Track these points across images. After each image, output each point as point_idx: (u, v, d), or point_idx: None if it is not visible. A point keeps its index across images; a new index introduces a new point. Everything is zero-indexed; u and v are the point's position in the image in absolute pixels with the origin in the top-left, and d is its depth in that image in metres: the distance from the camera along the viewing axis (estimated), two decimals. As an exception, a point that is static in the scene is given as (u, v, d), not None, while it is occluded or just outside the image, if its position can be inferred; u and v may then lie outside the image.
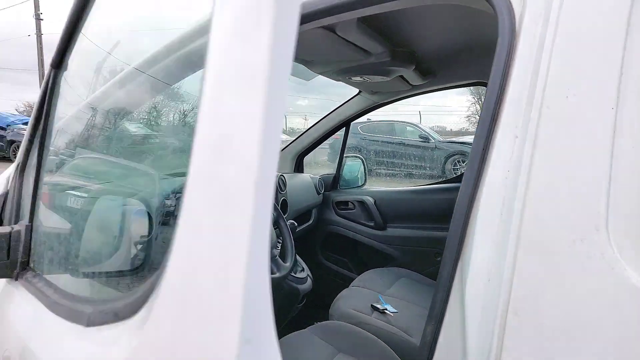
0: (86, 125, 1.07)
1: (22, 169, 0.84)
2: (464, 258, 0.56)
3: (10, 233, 0.71)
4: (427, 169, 8.19)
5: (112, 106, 1.15)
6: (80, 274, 0.78)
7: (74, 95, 0.99)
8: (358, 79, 1.57)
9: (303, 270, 1.64)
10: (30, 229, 0.72)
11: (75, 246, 0.83)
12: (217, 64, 0.29)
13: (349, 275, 2.09)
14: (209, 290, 0.29)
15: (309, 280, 1.59)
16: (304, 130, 2.24)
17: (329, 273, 2.18)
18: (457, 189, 0.58)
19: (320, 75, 1.55)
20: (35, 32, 16.36)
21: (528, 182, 0.50)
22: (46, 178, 0.80)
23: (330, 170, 2.38)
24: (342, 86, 1.78)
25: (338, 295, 1.51)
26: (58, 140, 0.87)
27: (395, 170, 7.86)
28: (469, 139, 8.00)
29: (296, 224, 1.53)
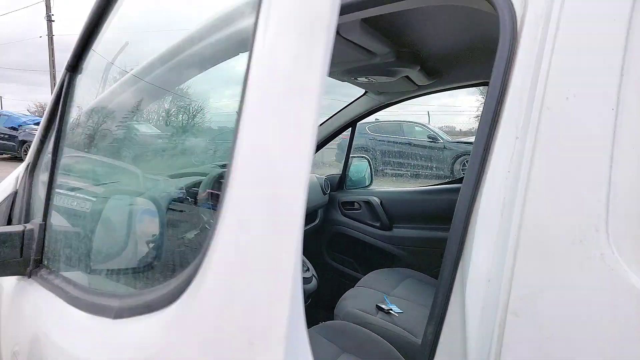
0: (100, 127, 1.09)
1: (32, 169, 0.86)
2: (465, 258, 0.56)
3: (23, 231, 0.73)
4: (436, 169, 8.16)
5: (125, 107, 1.18)
6: (100, 271, 0.81)
7: (88, 97, 1.01)
8: (363, 79, 1.57)
9: (308, 270, 1.64)
10: (43, 227, 0.74)
11: (92, 244, 0.86)
12: (262, 77, 0.32)
13: (355, 275, 2.09)
14: (258, 280, 0.30)
15: (314, 280, 1.60)
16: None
17: (334, 273, 2.19)
18: None
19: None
20: (46, 33, 16.61)
21: (528, 182, 0.50)
22: (60, 178, 0.82)
23: (338, 170, 2.39)
24: (348, 86, 1.78)
25: (343, 295, 1.52)
26: (72, 141, 0.88)
27: (404, 171, 7.84)
28: (478, 139, 7.91)
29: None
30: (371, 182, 2.42)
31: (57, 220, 0.80)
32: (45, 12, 16.57)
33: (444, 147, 8.37)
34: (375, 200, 2.12)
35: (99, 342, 0.50)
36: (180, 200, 1.18)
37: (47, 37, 16.61)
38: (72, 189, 1.04)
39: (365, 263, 2.15)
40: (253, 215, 0.31)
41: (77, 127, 0.94)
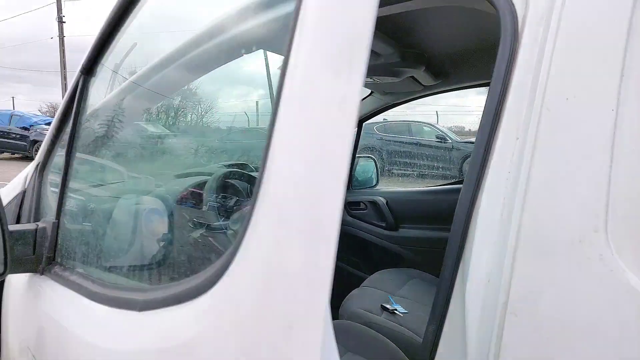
0: (113, 128, 1.12)
1: (41, 169, 0.88)
2: (465, 259, 0.57)
3: (36, 229, 0.75)
4: (444, 169, 8.10)
5: (138, 109, 1.21)
6: (120, 267, 0.83)
7: (101, 100, 1.03)
8: (369, 80, 1.57)
9: None
10: (56, 225, 0.76)
11: (112, 242, 0.88)
12: (299, 86, 0.34)
13: (360, 275, 2.10)
14: (298, 270, 0.32)
15: None
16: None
17: (340, 273, 2.19)
18: None
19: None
20: (57, 34, 16.85)
21: (528, 183, 0.50)
22: (74, 178, 0.84)
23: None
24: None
25: (348, 295, 1.52)
26: (86, 142, 0.91)
27: (412, 171, 7.81)
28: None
29: None
30: (377, 182, 2.42)
31: (71, 219, 0.83)
32: (56, 14, 16.81)
33: (453, 147, 8.32)
34: (381, 200, 2.12)
35: (124, 333, 0.52)
36: (199, 197, 1.21)
37: (58, 38, 16.86)
38: (87, 189, 1.07)
39: (371, 263, 2.15)
40: (292, 211, 0.33)
41: (90, 128, 0.96)
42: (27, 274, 0.78)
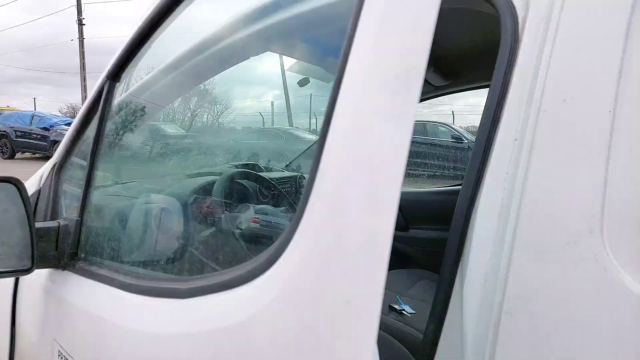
0: (137, 130, 1.16)
1: (58, 169, 0.92)
2: (464, 259, 0.57)
3: (58, 227, 0.79)
4: (460, 170, 8.00)
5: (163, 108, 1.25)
6: (156, 261, 0.89)
7: (124, 105, 1.06)
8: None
9: None
10: (79, 223, 0.80)
11: (144, 237, 0.94)
12: (355, 103, 0.37)
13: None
14: (357, 253, 0.34)
15: None
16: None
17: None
18: None
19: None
20: (77, 36, 17.27)
21: (524, 184, 0.51)
22: (99, 178, 0.89)
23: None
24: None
25: (357, 295, 1.53)
26: (107, 145, 0.94)
27: (427, 171, 7.73)
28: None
29: None
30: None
31: (96, 217, 0.88)
32: (76, 16, 17.24)
33: (469, 148, 8.21)
34: None
35: (168, 318, 0.55)
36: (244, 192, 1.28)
37: (78, 40, 17.28)
38: (114, 188, 1.12)
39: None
40: (350, 202, 0.36)
41: (114, 131, 1.00)
42: (47, 270, 0.82)
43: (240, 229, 1.08)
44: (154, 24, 0.76)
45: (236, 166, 1.56)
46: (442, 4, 0.38)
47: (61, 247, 0.78)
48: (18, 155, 12.48)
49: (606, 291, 0.44)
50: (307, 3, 0.97)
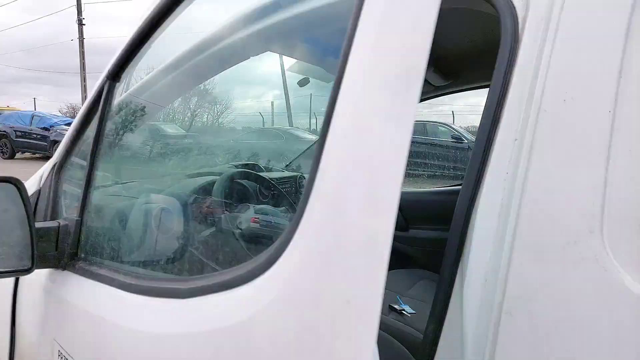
0: (137, 130, 1.16)
1: (58, 169, 0.92)
2: (464, 259, 0.57)
3: (58, 227, 0.79)
4: (460, 170, 8.00)
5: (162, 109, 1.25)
6: (156, 261, 0.89)
7: (123, 105, 1.06)
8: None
9: None
10: (79, 223, 0.79)
11: (144, 237, 0.94)
12: (354, 103, 0.37)
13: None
14: (357, 253, 0.34)
15: None
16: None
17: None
18: None
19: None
20: (77, 36, 17.26)
21: (524, 184, 0.51)
22: (99, 179, 0.89)
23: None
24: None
25: (357, 295, 1.52)
26: (108, 145, 0.94)
27: (427, 171, 7.73)
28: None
29: None
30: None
31: (96, 217, 0.87)
32: (76, 16, 17.23)
33: (469, 148, 8.21)
34: None
35: (168, 318, 0.55)
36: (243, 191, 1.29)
37: (77, 40, 17.28)
38: (114, 188, 1.12)
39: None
40: (350, 202, 0.36)
41: (114, 131, 1.00)
42: (47, 270, 0.82)
43: (240, 229, 1.08)
44: (154, 24, 0.76)
45: (236, 166, 1.56)
46: (442, 4, 0.37)
47: (61, 247, 0.78)
48: (18, 155, 12.48)
49: (606, 291, 0.44)
50: (307, 3, 0.97)
